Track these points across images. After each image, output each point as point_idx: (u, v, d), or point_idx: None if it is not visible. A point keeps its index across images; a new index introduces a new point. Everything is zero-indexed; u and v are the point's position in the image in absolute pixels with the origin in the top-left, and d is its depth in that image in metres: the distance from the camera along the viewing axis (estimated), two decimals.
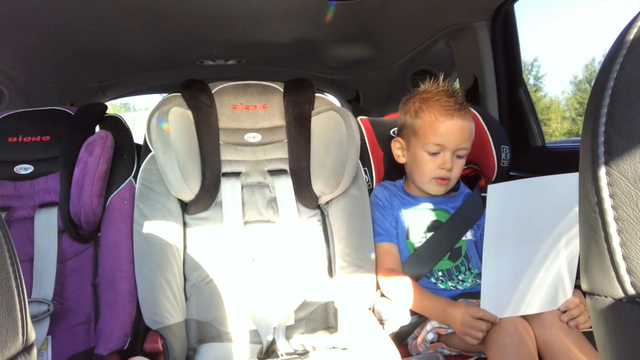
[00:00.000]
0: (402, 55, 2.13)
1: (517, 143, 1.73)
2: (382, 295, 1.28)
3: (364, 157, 1.43)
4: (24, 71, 1.83)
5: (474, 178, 1.58)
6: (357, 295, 1.27)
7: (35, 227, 1.22)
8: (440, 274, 1.28)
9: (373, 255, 1.29)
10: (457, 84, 2.03)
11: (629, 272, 0.32)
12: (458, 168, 1.29)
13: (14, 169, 1.27)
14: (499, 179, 1.51)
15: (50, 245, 1.21)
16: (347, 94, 2.70)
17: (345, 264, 1.29)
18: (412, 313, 1.21)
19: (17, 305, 0.41)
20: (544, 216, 0.96)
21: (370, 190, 1.40)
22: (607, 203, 0.33)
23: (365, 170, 1.43)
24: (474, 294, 1.21)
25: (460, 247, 1.30)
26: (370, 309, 1.27)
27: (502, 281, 1.00)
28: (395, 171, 1.45)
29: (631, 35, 0.35)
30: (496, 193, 0.95)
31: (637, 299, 0.31)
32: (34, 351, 0.43)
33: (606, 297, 0.33)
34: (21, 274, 0.43)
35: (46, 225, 1.22)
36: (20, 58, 1.75)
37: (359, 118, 1.51)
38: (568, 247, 0.95)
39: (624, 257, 0.32)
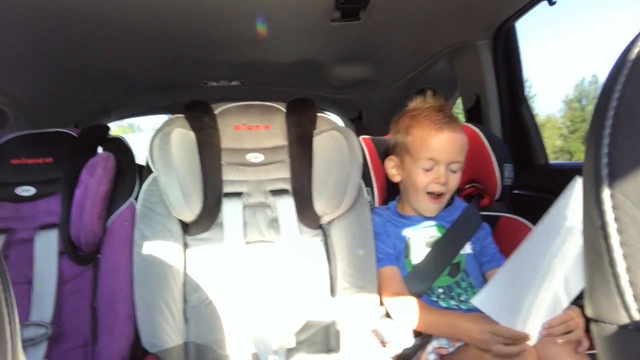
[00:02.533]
0: (404, 75, 2.14)
1: (520, 161, 1.72)
2: (385, 316, 1.26)
3: (366, 177, 1.42)
4: (28, 94, 1.84)
5: (477, 197, 1.56)
6: (359, 317, 1.25)
7: (35, 249, 1.21)
8: (440, 290, 1.26)
9: (375, 276, 1.27)
10: (459, 102, 2.03)
11: (636, 298, 0.30)
12: (453, 182, 1.29)
13: (15, 191, 1.27)
14: (502, 198, 1.50)
15: (50, 267, 1.20)
16: (350, 113, 2.71)
17: (348, 285, 1.27)
18: (415, 335, 1.18)
19: (8, 334, 0.40)
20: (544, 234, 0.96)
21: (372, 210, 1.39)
22: (612, 227, 0.32)
23: (367, 190, 1.42)
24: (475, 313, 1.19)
25: (459, 262, 1.29)
26: (372, 331, 1.25)
27: (507, 290, 0.99)
28: (397, 190, 1.44)
29: (633, 55, 0.35)
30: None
31: None
32: None
33: (612, 324, 0.32)
34: (14, 300, 0.42)
35: (46, 247, 1.21)
36: (25, 81, 1.77)
37: (361, 137, 1.51)
38: (563, 264, 0.94)
39: (630, 283, 0.31)
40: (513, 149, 1.74)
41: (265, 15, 1.49)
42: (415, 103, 1.35)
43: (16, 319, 0.42)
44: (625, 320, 0.31)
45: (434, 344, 1.14)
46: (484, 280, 1.31)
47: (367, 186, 1.42)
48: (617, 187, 0.32)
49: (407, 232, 1.32)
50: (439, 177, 1.26)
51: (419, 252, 1.29)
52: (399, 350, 1.18)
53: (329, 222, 1.34)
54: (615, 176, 0.32)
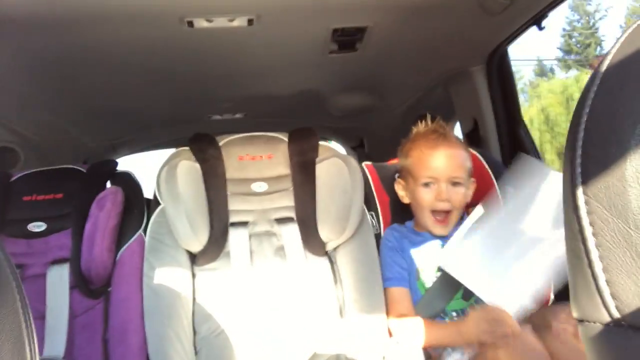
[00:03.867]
0: (402, 102, 2.19)
1: None
2: (394, 342, 1.26)
3: (370, 202, 1.45)
4: (37, 132, 1.90)
5: None
6: (369, 344, 1.25)
7: (47, 283, 1.24)
8: (454, 314, 1.26)
9: (383, 301, 1.28)
10: (458, 127, 2.07)
11: (613, 296, 0.33)
12: (457, 196, 1.30)
13: (27, 227, 1.30)
14: None
15: (62, 302, 1.22)
16: (352, 141, 2.75)
17: (355, 311, 1.28)
18: (426, 356, 1.18)
19: (28, 351, 0.43)
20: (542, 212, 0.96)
21: (377, 235, 1.41)
22: (588, 231, 0.35)
23: (372, 215, 1.44)
24: None
25: None
26: (383, 357, 1.25)
27: (483, 255, 0.99)
28: (401, 215, 1.46)
29: (602, 69, 0.38)
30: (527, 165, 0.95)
31: (622, 322, 0.32)
32: None
33: (594, 322, 0.34)
34: (33, 326, 0.45)
35: (58, 282, 1.24)
36: (34, 120, 1.83)
37: (363, 164, 1.54)
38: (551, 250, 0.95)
39: (607, 282, 0.33)
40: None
41: (265, 50, 1.55)
42: (416, 128, 1.40)
43: (35, 343, 0.45)
44: (606, 318, 0.33)
45: None
46: None
47: (370, 211, 1.44)
48: (590, 194, 0.35)
49: (421, 250, 1.33)
50: (440, 193, 1.28)
51: (429, 274, 1.30)
52: None
53: (335, 249, 1.36)
54: (588, 184, 0.35)
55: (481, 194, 1.51)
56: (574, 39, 21.96)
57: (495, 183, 1.50)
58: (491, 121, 1.82)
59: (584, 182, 0.35)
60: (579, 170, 0.36)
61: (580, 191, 0.35)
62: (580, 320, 0.36)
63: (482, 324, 1.08)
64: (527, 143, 1.80)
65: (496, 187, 1.50)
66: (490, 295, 1.12)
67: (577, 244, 0.35)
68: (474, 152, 1.56)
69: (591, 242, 0.34)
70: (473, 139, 1.91)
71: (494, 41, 1.60)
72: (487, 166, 1.54)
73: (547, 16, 1.39)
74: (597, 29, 21.73)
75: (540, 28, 1.42)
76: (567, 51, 22.14)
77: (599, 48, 20.91)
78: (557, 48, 22.39)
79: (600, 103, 0.37)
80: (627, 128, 0.34)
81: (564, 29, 22.01)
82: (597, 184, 0.35)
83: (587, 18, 21.97)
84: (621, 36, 0.39)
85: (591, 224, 0.34)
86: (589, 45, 21.36)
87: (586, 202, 0.35)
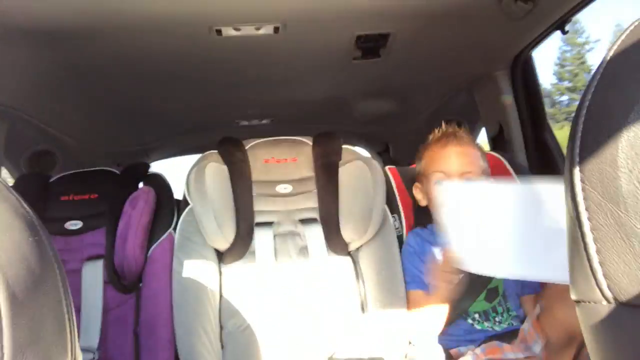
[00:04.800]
0: (427, 107, 2.20)
1: None
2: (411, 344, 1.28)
3: (393, 205, 1.47)
4: (75, 137, 1.99)
5: None
6: (391, 344, 1.27)
7: (82, 279, 1.30)
8: (477, 315, 1.27)
9: (404, 301, 1.30)
10: (484, 132, 2.07)
11: (605, 276, 0.35)
12: None
13: (65, 225, 1.37)
14: None
15: (96, 296, 1.28)
16: (377, 146, 2.77)
17: (378, 311, 1.30)
18: (446, 357, 1.19)
19: (67, 329, 0.47)
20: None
21: (400, 237, 1.43)
22: (584, 216, 0.37)
23: (395, 217, 1.46)
24: (509, 333, 1.19)
25: (497, 287, 1.30)
26: (405, 356, 1.27)
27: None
28: (424, 217, 1.47)
29: (605, 62, 0.40)
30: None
31: (614, 301, 0.34)
32: None
33: (589, 302, 0.36)
34: (72, 303, 0.49)
35: (92, 278, 1.30)
36: (72, 125, 1.92)
37: (386, 167, 1.57)
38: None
39: (600, 263, 0.35)
40: (539, 175, 1.76)
41: (291, 57, 1.59)
42: (432, 135, 1.42)
43: (73, 318, 0.49)
44: (599, 297, 0.36)
45: None
46: (521, 304, 1.31)
47: (394, 214, 1.46)
48: (586, 180, 0.37)
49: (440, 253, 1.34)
50: None
51: None
52: None
53: (357, 249, 1.39)
54: (585, 171, 0.37)
55: None
56: (565, 68, 24.96)
57: None
58: (516, 125, 1.81)
59: (581, 170, 0.38)
60: (577, 159, 0.39)
61: (577, 178, 0.38)
62: (577, 301, 0.38)
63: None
64: (553, 147, 1.79)
65: None
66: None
67: (574, 228, 0.38)
68: (499, 156, 1.57)
69: (586, 226, 0.36)
70: (498, 143, 1.91)
71: (517, 46, 1.60)
72: (512, 171, 1.54)
73: (570, 20, 1.39)
74: (585, 59, 24.80)
75: (564, 32, 1.42)
76: (560, 79, 25.13)
77: (586, 75, 23.36)
78: (553, 74, 25.36)
79: (600, 95, 0.39)
80: (619, 117, 0.36)
81: (557, 58, 25.11)
82: (592, 171, 0.37)
83: (578, 49, 24.93)
84: (624, 32, 0.41)
85: (587, 208, 0.37)
86: (577, 74, 24.13)
87: (583, 189, 0.37)
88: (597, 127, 0.38)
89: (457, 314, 1.26)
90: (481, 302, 1.28)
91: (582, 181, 0.37)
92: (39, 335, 0.43)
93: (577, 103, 0.42)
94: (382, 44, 1.54)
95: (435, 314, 1.22)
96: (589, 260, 0.36)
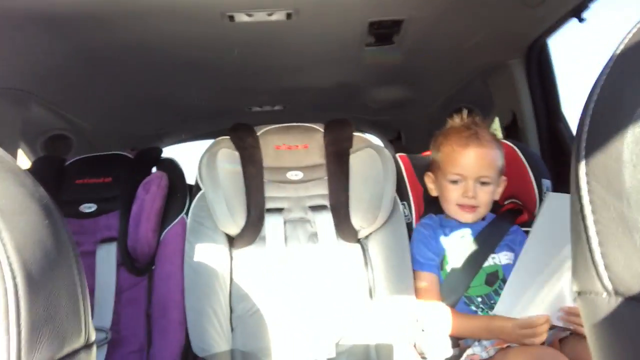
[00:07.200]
0: (440, 95, 2.19)
1: (560, 178, 1.71)
2: (420, 329, 1.29)
3: (403, 192, 1.47)
4: (90, 121, 2.02)
5: (517, 212, 1.57)
6: (398, 329, 1.28)
7: (96, 261, 1.33)
8: (479, 300, 1.28)
9: (412, 289, 1.31)
10: (497, 120, 2.05)
11: (607, 268, 0.35)
12: (484, 194, 1.31)
13: (79, 208, 1.40)
14: None
15: (110, 278, 1.31)
16: (389, 134, 2.76)
17: (386, 297, 1.31)
18: (454, 345, 1.21)
19: (81, 308, 0.49)
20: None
21: (409, 225, 1.43)
22: (587, 209, 0.37)
23: (404, 205, 1.46)
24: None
25: (497, 271, 1.31)
26: (412, 343, 1.28)
27: (523, 286, 1.02)
28: (434, 206, 1.48)
29: (615, 56, 0.40)
30: (552, 200, 0.97)
31: (614, 292, 0.35)
32: (94, 349, 0.50)
33: (590, 293, 0.37)
34: (85, 284, 0.51)
35: (106, 259, 1.33)
36: (87, 110, 1.94)
37: (397, 155, 1.57)
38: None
39: (602, 255, 0.35)
40: (552, 165, 1.74)
41: (303, 44, 1.59)
42: (450, 122, 1.41)
43: (87, 297, 0.51)
44: (600, 289, 0.36)
45: (468, 352, 1.16)
46: None
47: (404, 201, 1.46)
48: (591, 174, 0.37)
49: (451, 241, 1.36)
50: (467, 191, 1.30)
51: (453, 263, 1.32)
52: None
53: (367, 237, 1.40)
54: (591, 165, 0.38)
55: (517, 188, 1.51)
56: None
57: (532, 177, 1.49)
58: (530, 115, 1.80)
59: (587, 164, 0.38)
60: (583, 152, 0.39)
61: (583, 172, 0.38)
62: (579, 293, 0.38)
63: (512, 328, 1.12)
64: (567, 137, 1.77)
65: (532, 180, 1.49)
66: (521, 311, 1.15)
67: (578, 221, 0.38)
68: (512, 144, 1.55)
69: (590, 219, 0.37)
70: (511, 132, 1.90)
71: (532, 33, 1.58)
72: (524, 160, 1.53)
73: (588, 7, 1.36)
74: None
75: (581, 20, 1.40)
76: None
77: None
78: None
79: (607, 89, 0.39)
80: (626, 112, 0.36)
81: None
82: (597, 165, 0.37)
83: None
84: (634, 27, 0.40)
85: (591, 202, 0.37)
86: None
87: (587, 182, 0.37)
88: (603, 122, 0.38)
89: (458, 295, 1.27)
90: (482, 286, 1.29)
91: (587, 174, 0.38)
92: (55, 314, 0.45)
93: None
94: (395, 31, 1.53)
95: (443, 307, 1.24)
96: (591, 252, 0.36)
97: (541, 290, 1.01)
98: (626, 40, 0.40)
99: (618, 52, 0.40)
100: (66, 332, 0.46)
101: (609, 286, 0.35)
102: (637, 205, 0.34)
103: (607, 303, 0.35)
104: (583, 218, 0.37)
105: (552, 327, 1.14)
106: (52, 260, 0.47)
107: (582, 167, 0.38)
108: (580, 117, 0.41)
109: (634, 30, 0.40)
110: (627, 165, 0.35)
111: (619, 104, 0.37)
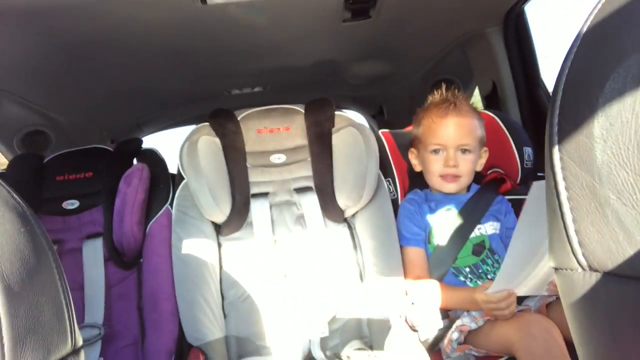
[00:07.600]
0: (420, 67, 2.18)
1: (541, 145, 1.72)
2: (409, 303, 1.31)
3: (387, 169, 1.48)
4: (66, 115, 1.97)
5: (500, 181, 1.59)
6: (388, 304, 1.30)
7: (83, 257, 1.32)
8: (467, 270, 1.30)
9: (401, 264, 1.32)
10: (477, 91, 2.05)
11: (580, 244, 0.36)
12: (466, 163, 1.34)
13: (62, 205, 1.38)
14: (524, 180, 1.52)
15: (98, 273, 1.31)
16: (371, 109, 2.75)
17: (374, 274, 1.32)
18: (443, 317, 1.23)
19: (66, 314, 0.48)
20: None
21: (394, 201, 1.44)
22: (561, 185, 0.37)
23: (389, 181, 1.47)
24: None
25: (483, 241, 1.33)
26: (403, 317, 1.30)
27: (515, 270, 1.04)
28: (419, 181, 1.48)
29: (583, 31, 0.40)
30: (539, 189, 0.99)
31: (589, 268, 0.35)
32: (82, 354, 0.50)
33: (566, 269, 0.37)
34: (68, 289, 0.51)
35: (93, 255, 1.32)
36: (63, 103, 1.90)
37: (380, 131, 1.56)
38: None
39: (576, 232, 0.36)
40: (533, 132, 1.75)
41: (279, 24, 1.56)
42: (430, 98, 1.42)
43: (71, 304, 0.51)
44: (575, 264, 0.36)
45: (457, 323, 1.18)
46: None
47: (388, 178, 1.47)
48: (564, 151, 0.37)
49: (436, 216, 1.37)
50: (448, 160, 1.32)
51: (440, 236, 1.34)
52: (430, 335, 1.23)
53: (353, 215, 1.40)
54: (563, 142, 0.38)
55: (499, 157, 1.52)
56: None
57: (513, 145, 1.51)
58: (509, 83, 1.80)
59: (560, 141, 0.38)
60: (555, 129, 0.39)
61: (556, 149, 0.38)
62: (556, 269, 0.39)
63: (483, 304, 1.13)
64: (546, 104, 1.78)
65: (514, 149, 1.50)
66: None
67: (552, 198, 0.38)
68: (492, 114, 1.56)
69: (563, 195, 0.37)
70: (492, 101, 1.90)
71: (509, 0, 1.57)
72: (505, 129, 1.54)
73: None
74: None
75: None
76: None
77: None
78: None
79: (577, 65, 0.39)
80: (596, 88, 0.36)
81: None
82: (569, 142, 0.37)
83: None
84: (599, 2, 0.40)
85: (564, 178, 0.37)
86: None
87: (560, 159, 0.38)
88: (574, 98, 0.38)
89: (446, 268, 1.29)
90: (469, 256, 1.31)
91: (560, 151, 0.38)
92: (38, 324, 0.45)
93: None
94: (371, 4, 1.50)
95: (431, 281, 1.26)
96: (565, 229, 0.37)
97: (532, 272, 1.03)
98: (592, 17, 0.40)
99: (585, 29, 0.40)
100: (51, 341, 0.45)
101: (584, 262, 0.36)
102: (608, 181, 0.34)
103: (583, 278, 0.36)
104: (557, 194, 0.37)
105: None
106: (32, 268, 0.47)
107: (555, 144, 0.38)
108: (552, 93, 0.41)
109: (599, 6, 0.40)
110: (598, 141, 0.35)
111: (588, 80, 0.37)
